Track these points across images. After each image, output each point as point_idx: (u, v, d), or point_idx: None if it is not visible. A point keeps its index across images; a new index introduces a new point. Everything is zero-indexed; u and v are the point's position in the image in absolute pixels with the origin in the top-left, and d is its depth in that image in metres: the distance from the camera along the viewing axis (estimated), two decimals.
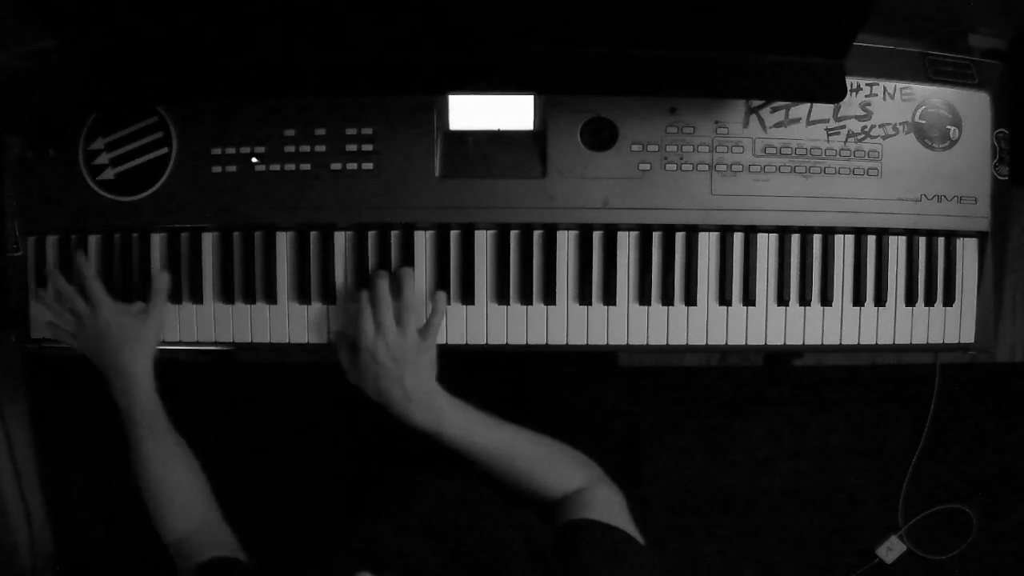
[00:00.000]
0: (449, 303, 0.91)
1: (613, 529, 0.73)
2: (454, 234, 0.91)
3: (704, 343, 0.93)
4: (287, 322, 0.92)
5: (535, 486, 0.81)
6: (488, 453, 0.81)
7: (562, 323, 0.92)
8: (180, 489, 0.87)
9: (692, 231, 0.92)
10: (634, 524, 0.76)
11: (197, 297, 0.92)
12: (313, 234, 0.92)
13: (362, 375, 0.83)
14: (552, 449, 0.84)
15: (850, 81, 0.90)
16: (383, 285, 0.85)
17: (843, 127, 0.92)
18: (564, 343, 0.92)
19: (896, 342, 0.95)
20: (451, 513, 0.75)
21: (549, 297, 0.91)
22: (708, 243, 0.92)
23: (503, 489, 0.82)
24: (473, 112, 0.90)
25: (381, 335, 0.82)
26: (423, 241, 0.91)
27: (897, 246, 0.95)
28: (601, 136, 0.90)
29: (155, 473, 0.86)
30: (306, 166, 0.89)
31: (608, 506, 0.77)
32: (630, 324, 0.92)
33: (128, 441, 0.86)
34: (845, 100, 0.87)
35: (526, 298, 0.91)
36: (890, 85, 0.92)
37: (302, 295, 0.92)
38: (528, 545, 0.71)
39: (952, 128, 0.94)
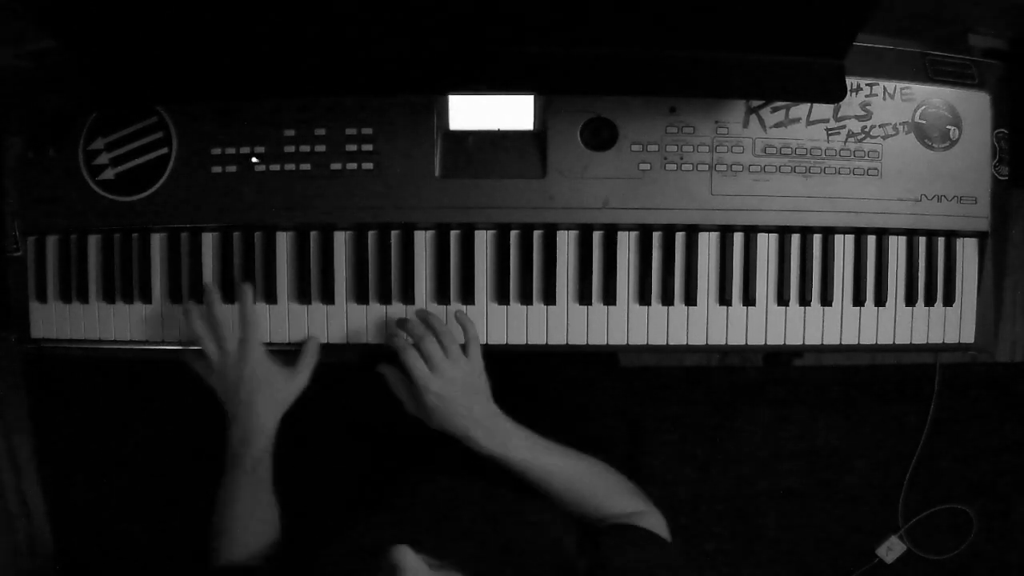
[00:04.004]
0: (449, 303, 0.91)
1: (649, 533, 0.74)
2: (454, 234, 0.91)
3: (704, 343, 0.93)
4: (287, 322, 0.92)
5: (590, 508, 0.82)
6: (551, 475, 0.82)
7: (562, 323, 0.92)
8: (253, 537, 0.84)
9: (692, 231, 0.92)
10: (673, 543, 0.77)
11: (197, 298, 0.92)
12: (313, 234, 0.92)
13: (429, 414, 0.82)
14: (609, 475, 0.85)
15: (850, 81, 0.90)
16: (417, 324, 0.85)
17: (843, 127, 0.92)
18: (564, 343, 0.92)
19: (896, 342, 0.95)
20: (468, 510, 0.75)
21: (549, 297, 0.91)
22: (708, 243, 0.92)
23: (523, 488, 0.83)
24: (473, 112, 0.90)
25: (437, 371, 0.82)
26: (423, 241, 0.91)
27: (897, 246, 0.95)
28: (601, 136, 0.90)
29: (238, 520, 0.83)
30: (306, 166, 0.89)
31: (651, 525, 0.78)
32: (630, 324, 0.92)
33: (224, 483, 0.85)
34: (845, 100, 0.87)
35: (526, 298, 0.91)
36: (890, 85, 0.92)
37: (302, 295, 0.92)
38: (548, 540, 0.71)
39: (952, 128, 0.94)
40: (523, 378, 1.03)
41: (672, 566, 0.71)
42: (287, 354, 0.90)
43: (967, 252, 0.96)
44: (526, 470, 0.82)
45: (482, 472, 0.82)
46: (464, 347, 0.85)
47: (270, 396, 0.85)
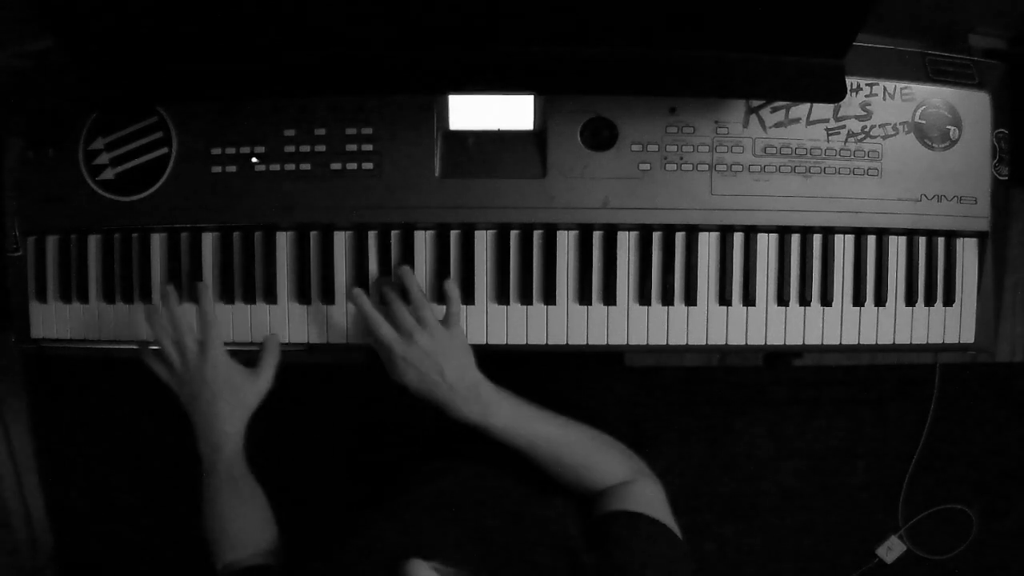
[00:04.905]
0: None
1: (652, 521, 0.73)
2: (454, 234, 0.91)
3: (704, 343, 0.93)
4: (287, 322, 0.92)
5: (580, 477, 0.81)
6: (535, 444, 0.81)
7: (562, 323, 0.92)
8: (246, 532, 0.84)
9: (692, 231, 0.92)
10: (674, 519, 0.76)
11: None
12: (313, 234, 0.92)
13: (404, 379, 0.82)
14: (598, 441, 0.84)
15: (850, 81, 0.90)
16: (389, 290, 0.86)
17: (843, 127, 0.92)
18: (564, 343, 0.92)
19: (896, 342, 0.95)
20: (473, 506, 0.75)
21: (549, 297, 0.91)
22: (708, 243, 0.92)
23: (526, 479, 0.82)
24: (473, 112, 0.90)
25: (406, 337, 0.82)
26: (423, 241, 0.91)
27: (897, 246, 0.95)
28: (601, 136, 0.90)
29: (226, 520, 0.83)
30: (306, 166, 0.89)
31: (649, 499, 0.78)
32: (630, 324, 0.92)
33: (205, 489, 0.84)
34: (845, 100, 0.87)
35: (526, 298, 0.91)
36: (890, 85, 0.92)
37: (302, 295, 0.92)
38: (553, 536, 0.71)
39: (952, 128, 0.94)
40: (524, 379, 1.03)
41: (680, 561, 0.70)
42: (250, 355, 0.88)
43: (967, 252, 0.96)
44: (509, 439, 0.81)
45: (492, 466, 0.82)
46: (445, 317, 0.85)
47: (233, 400, 0.83)
